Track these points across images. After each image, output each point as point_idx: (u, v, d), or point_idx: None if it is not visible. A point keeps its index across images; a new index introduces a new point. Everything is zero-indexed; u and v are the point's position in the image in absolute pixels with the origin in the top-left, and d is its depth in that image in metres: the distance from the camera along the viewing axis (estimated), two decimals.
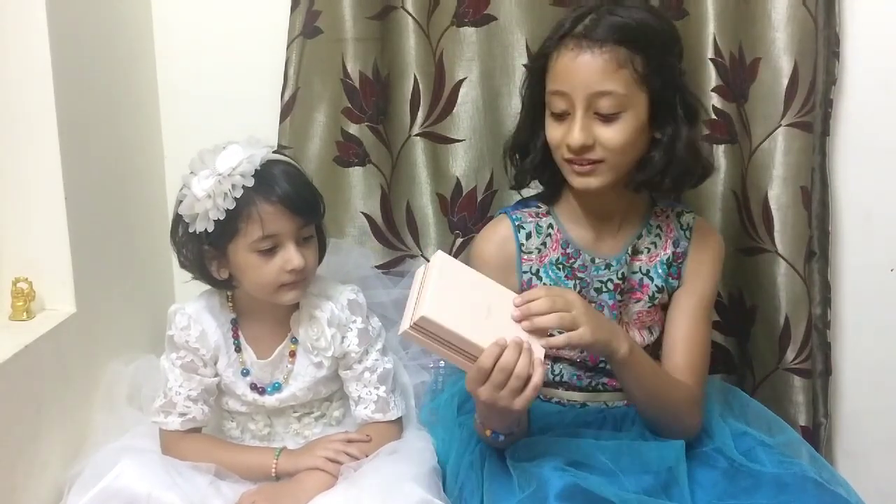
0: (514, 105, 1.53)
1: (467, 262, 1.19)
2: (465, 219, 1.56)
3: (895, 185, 1.53)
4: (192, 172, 1.20)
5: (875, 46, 1.49)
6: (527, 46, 1.50)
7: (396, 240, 1.59)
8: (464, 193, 1.55)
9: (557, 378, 1.29)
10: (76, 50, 1.31)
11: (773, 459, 1.19)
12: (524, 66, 1.50)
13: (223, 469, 1.21)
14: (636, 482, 1.13)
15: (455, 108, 1.53)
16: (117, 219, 1.45)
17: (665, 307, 1.29)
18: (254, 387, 1.29)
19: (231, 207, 1.16)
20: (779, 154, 1.47)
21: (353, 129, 1.54)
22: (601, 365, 1.26)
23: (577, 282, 1.25)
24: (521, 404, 1.05)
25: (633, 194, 1.25)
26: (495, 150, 1.54)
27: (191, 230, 1.19)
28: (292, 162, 1.25)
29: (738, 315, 1.56)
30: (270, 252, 1.19)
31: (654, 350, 1.30)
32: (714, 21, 1.46)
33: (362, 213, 1.57)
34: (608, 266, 1.26)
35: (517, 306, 1.07)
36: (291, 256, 1.19)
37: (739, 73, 1.48)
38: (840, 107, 1.50)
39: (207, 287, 1.29)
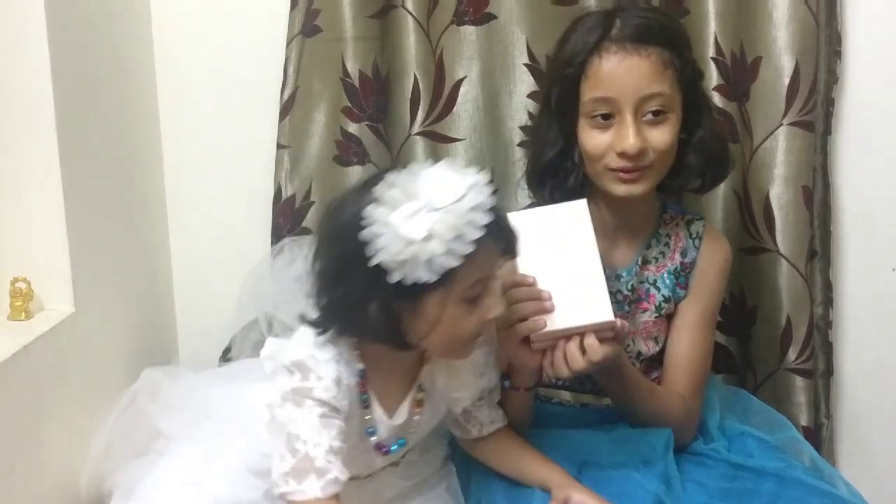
0: (514, 104, 1.52)
1: None
2: None
3: None
4: (381, 203, 0.91)
5: (877, 45, 1.48)
6: (527, 45, 1.50)
7: None
8: None
9: (559, 382, 1.28)
10: (75, 50, 1.30)
11: (771, 458, 1.19)
12: (525, 64, 1.50)
13: None
14: (637, 482, 1.12)
15: (455, 107, 1.52)
16: (116, 218, 1.45)
17: (671, 317, 1.27)
18: (378, 447, 1.08)
19: (469, 252, 0.91)
20: (780, 153, 1.46)
21: (352, 128, 1.54)
22: None
23: None
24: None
25: (651, 201, 1.24)
26: (495, 149, 1.53)
27: (392, 280, 0.91)
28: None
29: (739, 315, 1.55)
30: (476, 299, 0.97)
31: (660, 359, 1.28)
32: (715, 20, 1.45)
33: None
34: (618, 278, 1.24)
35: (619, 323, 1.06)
36: (495, 302, 0.98)
37: (741, 72, 1.47)
38: (842, 106, 1.49)
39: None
